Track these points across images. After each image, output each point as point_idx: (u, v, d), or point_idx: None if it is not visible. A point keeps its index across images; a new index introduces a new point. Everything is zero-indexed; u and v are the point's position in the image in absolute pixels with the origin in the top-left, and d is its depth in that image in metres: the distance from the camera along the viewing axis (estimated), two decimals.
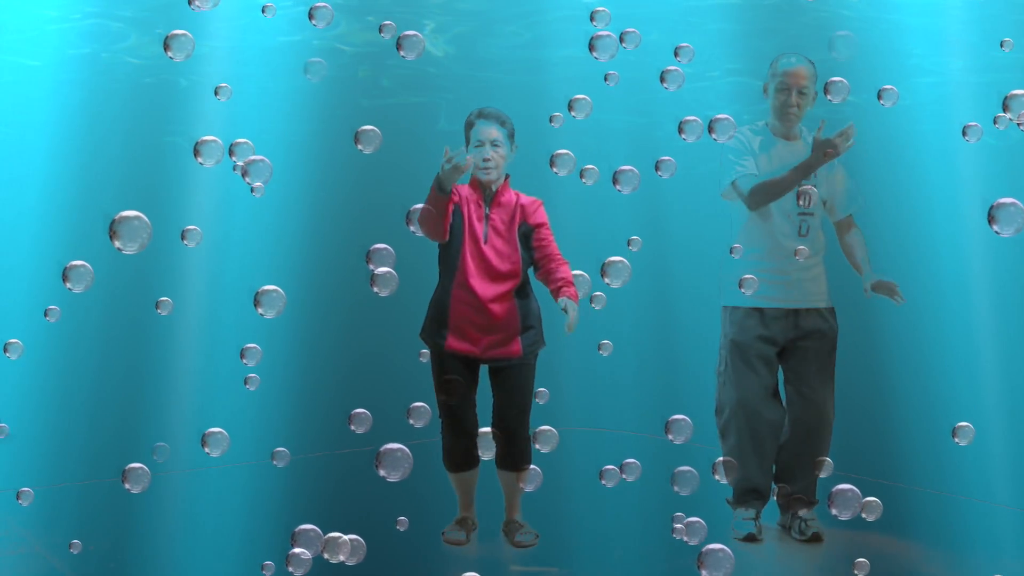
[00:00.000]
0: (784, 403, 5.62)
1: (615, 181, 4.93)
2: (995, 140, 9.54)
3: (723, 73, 9.13)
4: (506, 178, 5.21)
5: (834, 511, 3.87)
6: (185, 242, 4.85)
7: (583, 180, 5.03)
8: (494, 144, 5.12)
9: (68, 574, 4.95)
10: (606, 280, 4.54)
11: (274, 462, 5.04)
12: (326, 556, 3.83)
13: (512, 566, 4.96)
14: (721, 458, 5.16)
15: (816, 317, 5.55)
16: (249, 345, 4.99)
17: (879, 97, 4.93)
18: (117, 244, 3.22)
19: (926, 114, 9.00)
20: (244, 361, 5.01)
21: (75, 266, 3.66)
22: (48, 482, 6.44)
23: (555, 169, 4.79)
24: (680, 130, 4.85)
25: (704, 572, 3.74)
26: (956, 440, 4.56)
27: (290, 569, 3.83)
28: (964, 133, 4.98)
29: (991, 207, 3.23)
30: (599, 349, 5.39)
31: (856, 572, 4.75)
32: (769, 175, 5.43)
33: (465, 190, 5.22)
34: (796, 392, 5.57)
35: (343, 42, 10.10)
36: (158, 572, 5.07)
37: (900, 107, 9.24)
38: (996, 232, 3.22)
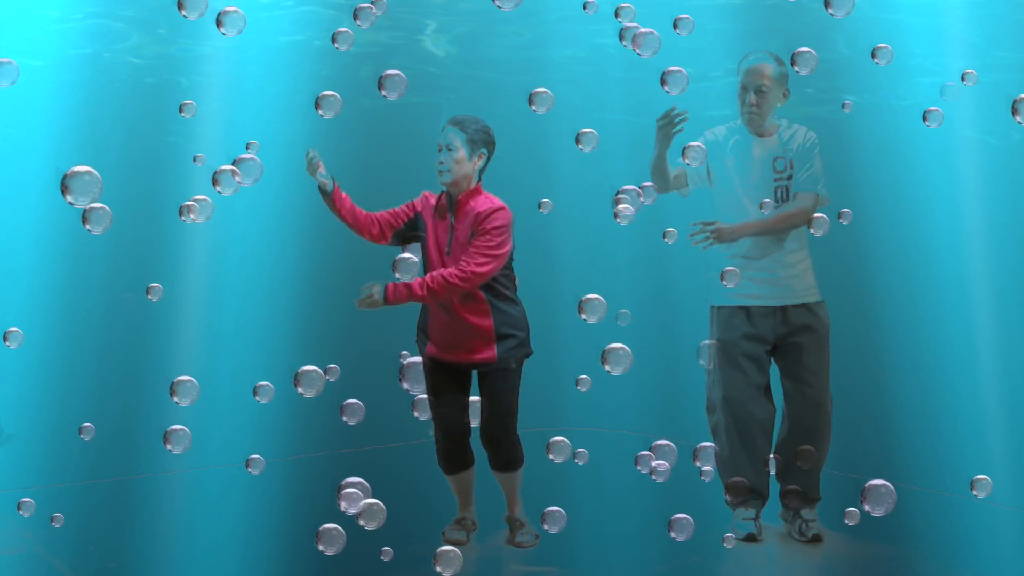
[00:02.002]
0: (783, 400, 5.63)
1: (617, 202, 4.93)
2: (996, 140, 9.55)
3: (724, 73, 9.12)
4: (476, 185, 5.17)
5: (867, 507, 3.83)
6: (183, 217, 4.82)
7: (618, 220, 4.98)
8: (448, 149, 5.08)
9: (68, 574, 4.95)
10: (606, 367, 4.52)
11: (249, 469, 5.02)
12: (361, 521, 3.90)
13: (512, 566, 4.96)
14: (703, 444, 5.16)
15: (805, 312, 5.54)
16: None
17: (873, 56, 4.89)
18: (69, 199, 3.25)
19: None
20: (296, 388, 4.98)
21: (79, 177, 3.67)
22: (48, 482, 6.44)
23: (533, 107, 4.74)
24: (683, 155, 4.85)
25: (867, 506, 3.74)
26: (974, 492, 4.53)
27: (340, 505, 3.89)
28: (924, 118, 4.97)
29: None
30: (577, 384, 5.36)
31: (847, 521, 4.76)
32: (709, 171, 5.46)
33: (435, 199, 5.20)
34: (793, 388, 5.56)
35: None
36: (158, 572, 5.08)
37: (901, 107, 9.27)
38: None
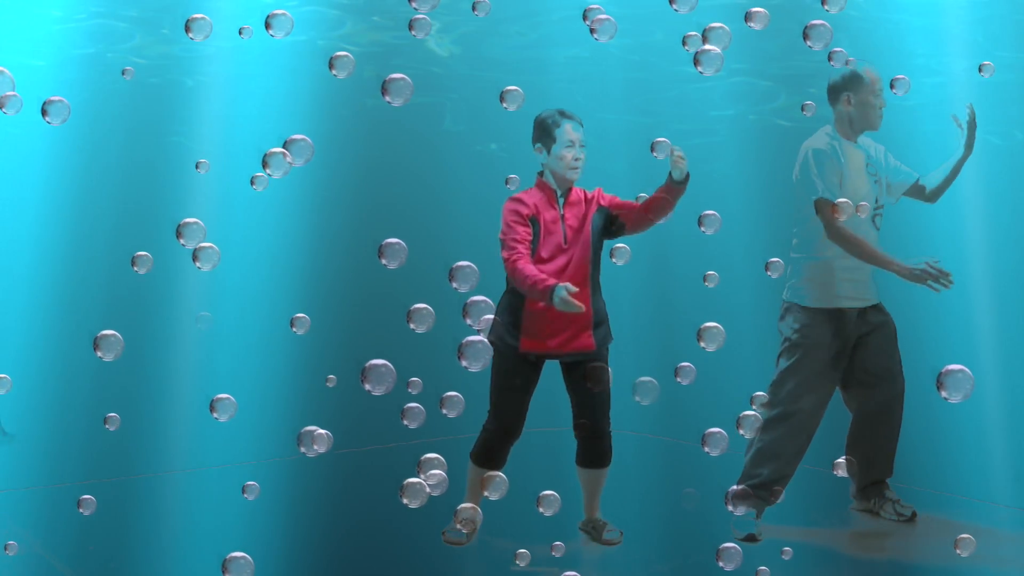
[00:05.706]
0: (863, 393, 5.68)
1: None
2: (999, 140, 9.54)
3: (726, 73, 9.12)
4: None
5: (944, 393, 3.77)
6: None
7: (613, 260, 5.07)
8: (582, 146, 5.12)
9: (68, 574, 4.96)
10: (642, 395, 4.52)
11: (245, 495, 5.03)
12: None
13: (512, 566, 4.95)
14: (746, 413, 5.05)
15: (877, 312, 5.66)
16: (298, 315, 4.95)
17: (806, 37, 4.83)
18: None
19: (929, 114, 8.99)
20: (294, 329, 4.94)
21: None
22: (48, 482, 6.45)
23: (505, 104, 4.72)
24: (677, 373, 4.86)
25: (943, 393, 3.68)
26: (958, 551, 4.54)
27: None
28: (892, 86, 5.00)
29: None
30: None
31: (836, 472, 4.80)
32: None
33: (536, 195, 5.16)
34: (877, 378, 5.62)
35: (349, 42, 10.12)
36: (158, 572, 5.08)
37: (903, 107, 9.25)
38: None
